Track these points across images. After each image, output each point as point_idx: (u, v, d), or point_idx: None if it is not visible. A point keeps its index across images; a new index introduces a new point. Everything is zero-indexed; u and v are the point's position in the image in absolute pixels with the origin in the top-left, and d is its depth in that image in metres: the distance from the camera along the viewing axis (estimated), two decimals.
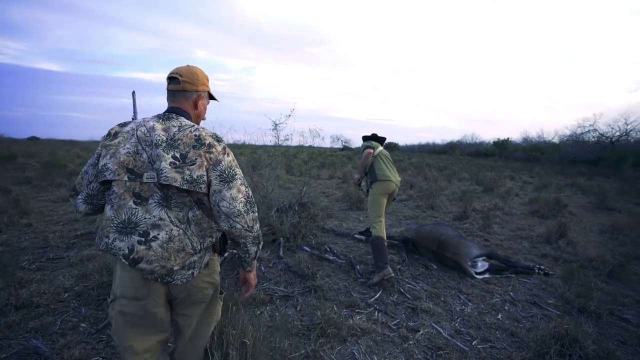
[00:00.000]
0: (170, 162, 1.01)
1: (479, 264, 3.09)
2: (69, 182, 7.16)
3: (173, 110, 1.15)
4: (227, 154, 1.10)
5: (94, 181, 1.09)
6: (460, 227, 4.82)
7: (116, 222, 1.01)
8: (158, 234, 1.01)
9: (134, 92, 1.45)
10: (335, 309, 2.34)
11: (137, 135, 1.06)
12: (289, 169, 11.47)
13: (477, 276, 2.97)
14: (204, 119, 1.29)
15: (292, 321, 2.16)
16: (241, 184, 1.09)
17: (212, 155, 1.05)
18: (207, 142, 1.06)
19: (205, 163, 1.04)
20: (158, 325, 1.13)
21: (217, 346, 1.45)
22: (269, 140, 5.64)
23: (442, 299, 2.58)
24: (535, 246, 3.98)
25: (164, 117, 1.12)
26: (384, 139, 3.46)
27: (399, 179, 3.10)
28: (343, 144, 44.08)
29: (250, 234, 1.10)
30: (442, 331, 2.13)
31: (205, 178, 1.04)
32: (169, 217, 1.03)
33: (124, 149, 1.04)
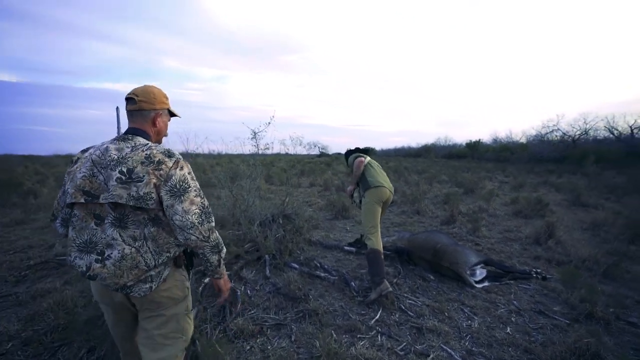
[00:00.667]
0: (117, 178, 1.05)
1: (477, 271, 2.96)
2: (24, 202, 6.47)
3: (131, 131, 1.20)
4: (181, 167, 1.12)
5: (64, 206, 1.16)
6: (449, 232, 4.72)
7: (78, 242, 1.08)
8: (111, 253, 1.06)
9: (117, 108, 1.52)
10: (335, 335, 2.10)
11: (91, 159, 1.11)
12: (268, 178, 11.14)
13: (477, 285, 2.83)
14: (165, 135, 1.33)
15: (287, 356, 1.89)
16: (195, 196, 1.12)
17: (161, 172, 1.08)
18: (157, 159, 1.09)
19: (154, 180, 1.06)
20: (132, 327, 1.26)
21: None
22: (247, 149, 5.36)
23: (446, 314, 2.40)
24: (526, 248, 3.93)
25: (119, 138, 1.16)
26: (369, 149, 3.32)
27: (392, 186, 2.93)
28: (320, 150, 44.00)
29: (207, 243, 1.13)
30: (453, 353, 1.94)
31: (153, 195, 1.07)
32: (121, 236, 1.07)
33: (80, 172, 1.10)
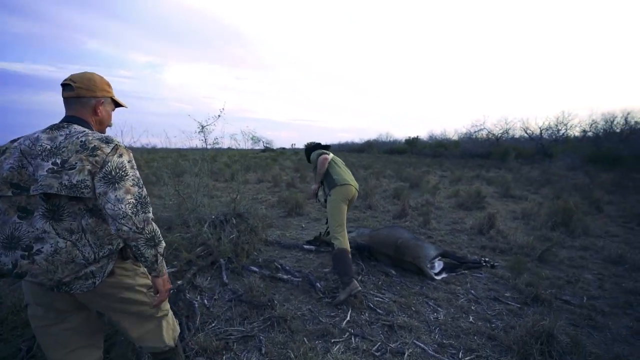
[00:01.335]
0: (48, 169, 0.99)
1: (436, 264, 3.08)
2: None
3: (68, 119, 1.12)
4: (120, 154, 1.07)
5: None
6: (402, 225, 4.90)
7: (1, 238, 0.99)
8: (42, 247, 1.00)
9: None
10: (307, 342, 1.98)
11: (20, 149, 1.04)
12: (212, 174, 10.52)
13: (437, 277, 2.94)
14: (109, 125, 1.26)
15: None
16: (133, 185, 1.06)
17: (97, 157, 1.02)
18: (92, 145, 1.03)
19: (88, 166, 1.00)
20: (79, 335, 1.18)
21: None
22: (194, 144, 4.94)
23: (413, 308, 2.44)
24: (472, 238, 4.23)
25: (53, 127, 1.09)
26: (329, 146, 3.25)
27: (357, 184, 2.89)
28: (265, 145, 43.12)
29: (141, 236, 1.06)
30: (426, 348, 1.96)
31: (88, 183, 1.01)
32: (54, 229, 1.01)
33: (7, 164, 1.02)
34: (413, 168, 13.92)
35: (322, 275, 2.97)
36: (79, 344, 1.19)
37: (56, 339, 1.15)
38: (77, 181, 0.99)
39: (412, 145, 30.86)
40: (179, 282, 2.70)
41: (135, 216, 1.03)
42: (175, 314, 2.12)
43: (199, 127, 4.67)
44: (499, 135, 25.66)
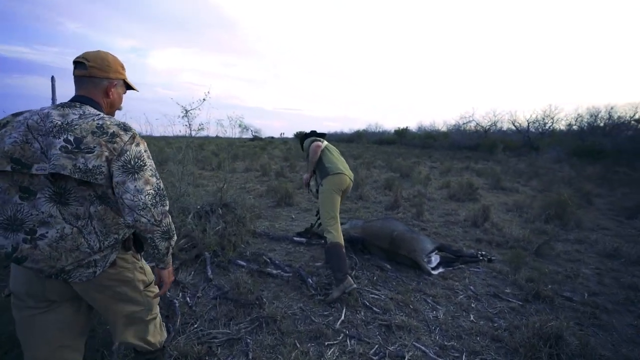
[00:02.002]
0: (62, 147, 0.92)
1: (433, 258, 2.95)
2: None
3: (79, 99, 1.07)
4: (137, 143, 1.03)
5: None
6: (395, 217, 4.76)
7: (1, 219, 0.92)
8: (47, 232, 0.94)
9: (53, 77, 1.20)
10: (299, 345, 1.82)
11: (27, 124, 0.96)
12: (198, 162, 10.17)
13: (434, 272, 2.81)
14: (119, 109, 1.22)
15: None
16: (151, 176, 1.03)
17: (115, 145, 0.98)
18: (111, 130, 0.99)
19: (106, 153, 0.96)
20: (66, 330, 1.10)
21: None
22: (178, 130, 4.64)
23: (411, 306, 2.30)
24: (467, 231, 4.13)
25: (65, 105, 1.03)
26: (324, 134, 3.03)
27: (352, 173, 2.71)
28: (253, 133, 42.44)
29: (158, 228, 1.03)
30: (427, 351, 1.82)
31: (104, 169, 0.96)
32: (61, 213, 0.95)
33: (10, 137, 0.94)
34: (403, 158, 13.85)
35: (313, 270, 2.80)
36: (63, 342, 1.11)
37: (41, 331, 1.07)
38: (93, 166, 0.94)
39: (402, 136, 30.87)
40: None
41: (154, 208, 1.00)
42: None
43: (182, 112, 4.38)
44: (487, 127, 25.90)
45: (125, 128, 1.02)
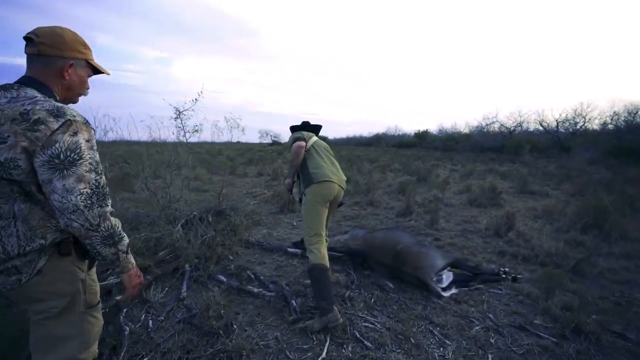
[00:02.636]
0: None
1: (444, 276, 2.48)
2: None
3: (23, 80, 0.94)
4: (73, 132, 0.87)
5: None
6: (406, 225, 4.29)
7: None
8: None
9: None
10: None
11: None
12: (212, 168, 10.04)
13: (445, 294, 2.34)
14: (83, 93, 1.07)
15: None
16: (88, 171, 0.88)
17: (38, 134, 0.82)
18: (36, 117, 0.84)
19: (23, 143, 0.82)
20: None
21: None
22: (172, 133, 4.40)
23: (412, 340, 1.85)
24: (488, 241, 3.60)
25: (2, 87, 0.90)
26: (319, 127, 2.61)
27: (344, 178, 2.28)
28: (272, 138, 42.81)
29: (96, 233, 0.89)
30: None
31: (21, 163, 0.83)
32: None
33: None
34: (422, 161, 13.20)
35: (301, 290, 2.40)
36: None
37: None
38: (5, 159, 0.82)
39: (422, 138, 29.99)
40: (118, 297, 2.17)
41: (88, 210, 0.87)
42: (102, 342, 1.59)
43: (175, 113, 4.14)
44: (512, 128, 24.59)
45: (58, 114, 0.85)
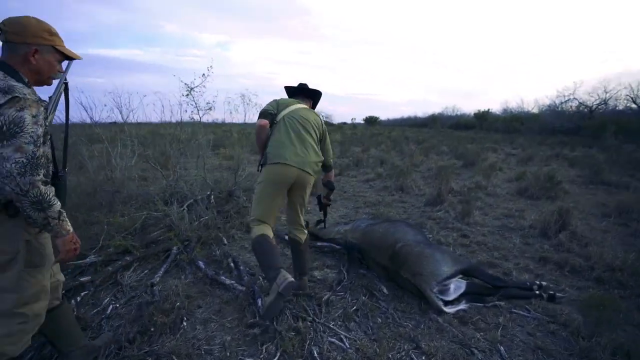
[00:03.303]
0: None
1: (452, 286, 1.97)
2: None
3: None
4: (20, 108, 0.97)
5: None
6: (433, 215, 3.71)
7: None
8: None
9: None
10: None
11: None
12: (245, 147, 10.08)
13: (448, 309, 1.85)
14: (54, 77, 1.17)
15: None
16: (27, 143, 0.97)
17: None
18: None
19: None
20: None
21: None
22: (184, 110, 4.27)
23: None
24: (529, 243, 2.91)
25: None
26: (317, 92, 2.22)
27: (316, 159, 1.92)
28: (324, 119, 42.68)
29: (25, 198, 0.98)
30: None
31: None
32: None
33: None
34: (475, 144, 11.87)
35: None
36: None
37: None
38: None
39: (482, 119, 27.32)
40: (83, 278, 2.09)
41: (21, 177, 0.96)
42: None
43: (186, 90, 4.00)
44: (594, 106, 20.98)
45: (7, 91, 0.97)
